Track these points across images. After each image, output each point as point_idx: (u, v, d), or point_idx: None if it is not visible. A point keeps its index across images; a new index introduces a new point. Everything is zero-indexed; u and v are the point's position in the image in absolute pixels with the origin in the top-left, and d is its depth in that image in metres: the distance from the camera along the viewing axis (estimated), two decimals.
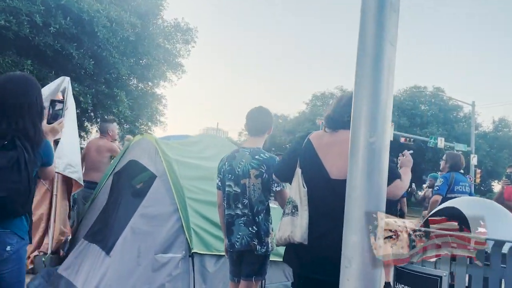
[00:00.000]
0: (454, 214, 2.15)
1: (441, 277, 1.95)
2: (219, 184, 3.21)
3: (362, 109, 1.48)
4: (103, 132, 6.17)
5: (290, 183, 2.74)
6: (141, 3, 9.84)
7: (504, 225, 2.03)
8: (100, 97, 9.58)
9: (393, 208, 5.50)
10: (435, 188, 5.96)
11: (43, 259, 4.97)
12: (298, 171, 2.57)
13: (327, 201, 2.37)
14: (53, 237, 5.16)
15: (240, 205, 3.04)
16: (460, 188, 5.85)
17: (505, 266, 1.93)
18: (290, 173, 2.60)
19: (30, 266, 5.06)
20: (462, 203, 2.20)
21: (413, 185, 9.89)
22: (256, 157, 3.04)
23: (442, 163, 6.13)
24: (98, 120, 11.16)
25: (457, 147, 26.82)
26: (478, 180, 26.83)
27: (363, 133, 1.47)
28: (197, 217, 4.18)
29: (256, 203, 3.01)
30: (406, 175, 2.61)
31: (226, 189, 3.12)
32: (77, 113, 10.44)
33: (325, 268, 2.28)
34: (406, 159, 2.78)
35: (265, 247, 3.00)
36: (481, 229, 2.10)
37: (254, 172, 3.01)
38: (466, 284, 1.96)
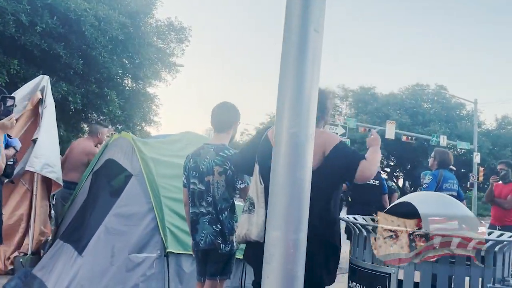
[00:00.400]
0: (409, 211, 2.08)
1: (389, 274, 1.89)
2: (185, 181, 3.15)
3: (286, 99, 1.41)
4: (92, 133, 6.14)
5: (247, 175, 2.74)
6: (131, 2, 9.81)
7: (453, 214, 1.96)
8: (90, 96, 9.54)
9: (375, 205, 5.41)
10: (424, 186, 5.90)
11: (21, 260, 4.92)
12: (256, 167, 2.52)
13: None
14: (33, 237, 5.11)
15: (204, 203, 2.98)
16: (449, 186, 5.77)
17: (454, 260, 1.86)
18: (245, 165, 2.61)
19: (10, 267, 5.02)
20: (416, 198, 2.13)
21: (407, 183, 9.81)
22: (220, 153, 2.98)
23: (430, 160, 6.06)
24: (89, 120, 11.14)
25: (459, 145, 26.66)
26: (481, 178, 26.63)
27: (286, 125, 1.40)
28: (174, 216, 4.13)
29: (219, 201, 2.95)
30: (373, 153, 2.46)
31: (191, 187, 3.06)
32: (72, 112, 10.51)
33: None
34: (372, 138, 2.63)
35: (230, 245, 2.94)
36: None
37: (218, 169, 2.95)
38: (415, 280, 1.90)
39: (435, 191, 5.70)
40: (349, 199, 5.96)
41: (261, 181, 2.45)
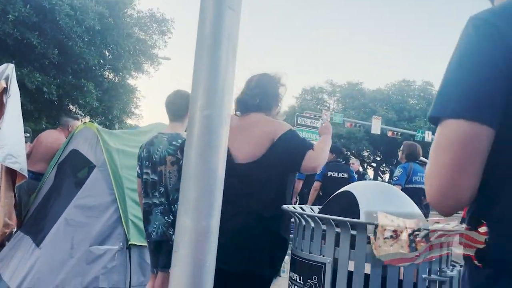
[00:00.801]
0: (348, 201, 2.05)
1: (325, 264, 1.85)
2: (139, 171, 3.08)
3: (200, 79, 1.35)
4: (62, 126, 6.07)
5: None
6: None
7: (395, 208, 1.91)
8: (67, 87, 9.38)
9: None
10: (395, 179, 5.88)
11: None
12: None
13: (230, 186, 2.25)
14: None
15: (157, 194, 2.92)
16: (418, 179, 5.76)
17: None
18: None
19: None
20: (358, 188, 2.09)
21: (386, 179, 9.88)
22: (173, 143, 2.91)
23: (399, 153, 6.05)
24: (68, 111, 10.95)
25: None
26: None
27: (199, 106, 1.34)
28: (137, 208, 4.05)
29: (172, 191, 2.88)
30: (322, 143, 2.38)
31: (144, 177, 2.99)
32: (53, 104, 10.28)
33: (220, 257, 2.17)
34: (323, 126, 2.52)
35: None
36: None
37: (170, 159, 2.89)
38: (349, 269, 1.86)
39: (405, 184, 5.70)
40: (320, 193, 5.92)
41: None
